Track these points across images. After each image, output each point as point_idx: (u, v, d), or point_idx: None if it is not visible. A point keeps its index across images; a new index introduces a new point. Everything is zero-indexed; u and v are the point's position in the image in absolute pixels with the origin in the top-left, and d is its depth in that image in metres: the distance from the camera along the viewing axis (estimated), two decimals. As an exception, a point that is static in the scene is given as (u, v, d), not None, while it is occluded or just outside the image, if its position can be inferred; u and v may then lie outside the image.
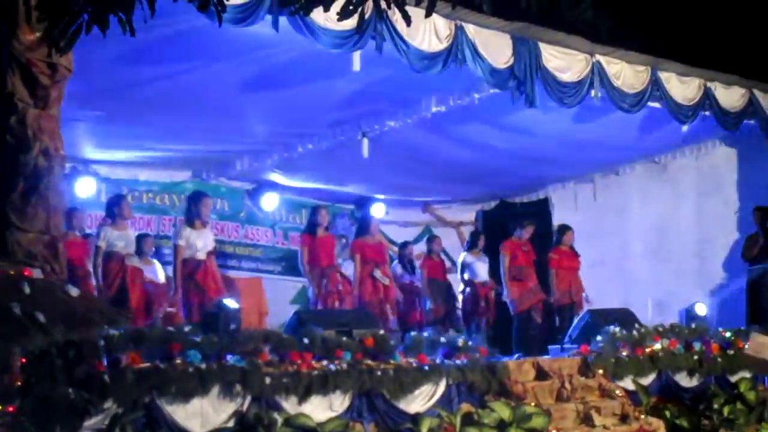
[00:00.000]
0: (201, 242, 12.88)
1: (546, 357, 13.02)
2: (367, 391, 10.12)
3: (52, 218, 8.19)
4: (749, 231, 15.77)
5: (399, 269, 16.44)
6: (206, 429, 8.98)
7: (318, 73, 11.78)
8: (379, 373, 10.18)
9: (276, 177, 17.26)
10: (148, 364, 8.73)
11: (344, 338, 10.38)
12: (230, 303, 9.93)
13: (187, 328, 9.50)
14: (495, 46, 11.88)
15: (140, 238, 14.17)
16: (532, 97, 12.19)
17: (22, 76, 8.10)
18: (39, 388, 7.39)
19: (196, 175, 17.12)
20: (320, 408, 9.76)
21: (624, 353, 12.67)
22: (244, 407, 9.25)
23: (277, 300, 16.23)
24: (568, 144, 15.67)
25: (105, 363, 8.37)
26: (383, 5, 6.26)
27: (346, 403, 9.99)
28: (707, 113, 14.38)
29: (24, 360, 7.19)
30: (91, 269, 13.02)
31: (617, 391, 12.31)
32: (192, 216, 12.99)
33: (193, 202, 13.17)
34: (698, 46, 14.67)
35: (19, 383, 7.16)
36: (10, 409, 7.04)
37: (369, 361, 10.27)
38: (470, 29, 11.55)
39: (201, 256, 12.82)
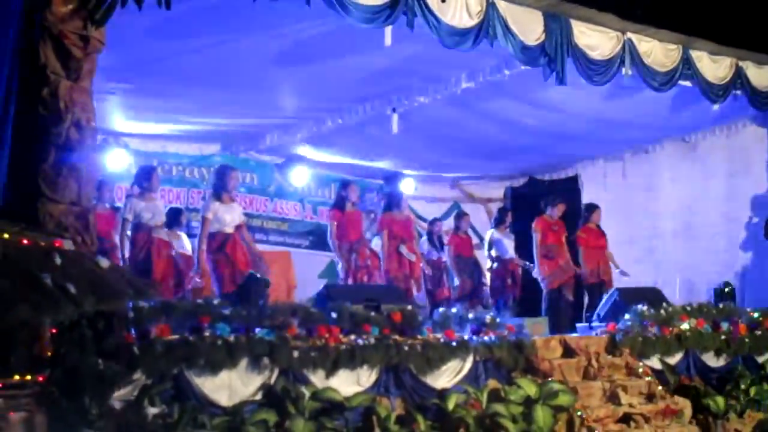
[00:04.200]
0: (229, 216, 12.83)
1: (573, 335, 13.02)
2: (394, 366, 10.12)
3: (83, 190, 8.25)
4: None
5: (426, 245, 16.46)
6: (234, 401, 9.02)
7: (349, 47, 11.77)
8: (406, 348, 10.18)
9: (305, 151, 17.29)
10: (177, 336, 8.75)
11: (372, 313, 10.39)
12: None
13: (216, 301, 9.54)
14: (526, 22, 11.83)
15: (176, 212, 14.19)
16: (563, 74, 12.15)
17: (54, 48, 8.15)
18: (69, 358, 7.45)
19: (225, 149, 17.16)
20: (347, 382, 9.78)
21: (651, 332, 12.64)
22: (272, 380, 9.29)
23: (306, 274, 16.25)
24: (597, 122, 15.62)
25: (134, 334, 8.43)
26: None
27: (373, 377, 10.00)
28: (738, 92, 14.30)
29: (54, 330, 7.24)
30: (118, 241, 13.04)
31: (644, 370, 12.30)
32: (219, 189, 12.90)
33: (220, 175, 13.07)
34: (730, 24, 14.55)
35: (50, 353, 7.21)
36: (40, 378, 7.10)
37: (396, 336, 10.27)
38: (501, 5, 11.50)
39: (229, 230, 12.80)
